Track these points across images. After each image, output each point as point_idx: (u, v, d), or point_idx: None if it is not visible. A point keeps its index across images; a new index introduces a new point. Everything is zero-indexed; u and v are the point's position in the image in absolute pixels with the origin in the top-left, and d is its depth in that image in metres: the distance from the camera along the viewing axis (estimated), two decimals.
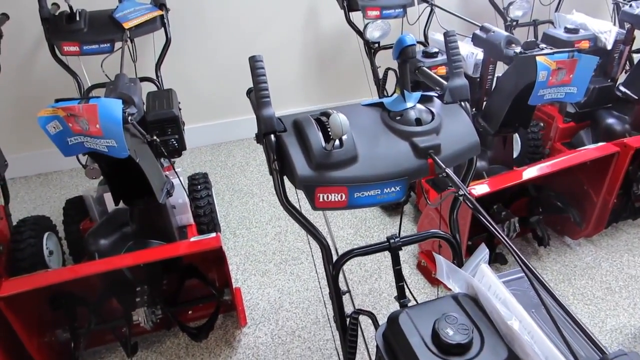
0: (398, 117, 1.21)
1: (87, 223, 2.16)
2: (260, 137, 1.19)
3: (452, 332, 0.94)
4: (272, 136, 1.16)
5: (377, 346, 1.07)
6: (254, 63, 1.16)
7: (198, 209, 2.20)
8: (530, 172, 1.93)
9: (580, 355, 0.81)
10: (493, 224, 0.98)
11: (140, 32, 2.27)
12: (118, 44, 2.21)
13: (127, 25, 2.20)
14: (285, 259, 2.38)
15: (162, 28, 2.35)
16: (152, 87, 2.36)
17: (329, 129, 1.13)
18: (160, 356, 1.95)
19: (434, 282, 2.21)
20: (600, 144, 2.10)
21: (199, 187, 2.27)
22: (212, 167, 3.12)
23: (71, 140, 1.43)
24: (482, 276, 1.06)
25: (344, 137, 1.11)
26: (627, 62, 2.64)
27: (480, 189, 1.81)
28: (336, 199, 1.12)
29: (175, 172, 1.88)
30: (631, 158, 2.10)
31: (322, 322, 2.05)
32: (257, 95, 1.16)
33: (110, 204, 2.03)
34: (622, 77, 2.63)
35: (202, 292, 1.95)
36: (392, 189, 1.15)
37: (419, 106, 1.23)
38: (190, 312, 2.02)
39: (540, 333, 0.91)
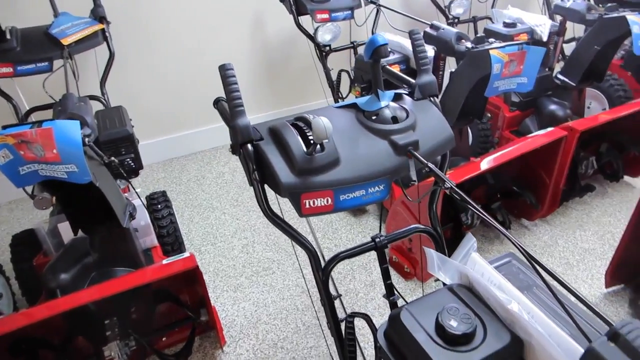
0: (374, 117, 1.21)
1: (41, 258, 2.00)
2: (237, 148, 1.15)
3: (455, 323, 0.94)
4: (250, 146, 1.13)
5: (379, 347, 1.06)
6: (225, 72, 1.13)
7: (161, 229, 2.11)
8: (489, 162, 2.01)
9: (585, 329, 0.83)
10: (482, 210, 1.00)
11: (81, 47, 2.15)
12: (57, 63, 2.08)
13: (65, 41, 2.08)
14: (257, 271, 2.32)
15: (105, 42, 2.23)
16: (98, 106, 2.24)
17: (308, 134, 1.12)
18: None
19: (407, 276, 2.24)
20: (549, 129, 2.22)
21: (159, 206, 2.17)
22: (167, 184, 3.00)
23: (23, 170, 1.32)
24: (474, 264, 1.08)
25: (325, 141, 1.10)
26: (561, 52, 2.82)
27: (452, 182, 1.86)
28: (322, 204, 1.11)
29: (136, 193, 1.78)
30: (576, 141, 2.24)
31: (303, 331, 2.02)
32: (231, 105, 1.13)
33: (65, 235, 1.89)
34: (558, 67, 2.81)
35: (176, 315, 1.87)
36: (377, 188, 1.15)
37: (393, 104, 1.24)
38: (164, 338, 1.93)
39: (539, 312, 0.94)
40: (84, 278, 1.74)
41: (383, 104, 1.22)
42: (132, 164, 1.90)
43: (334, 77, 2.69)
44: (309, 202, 1.10)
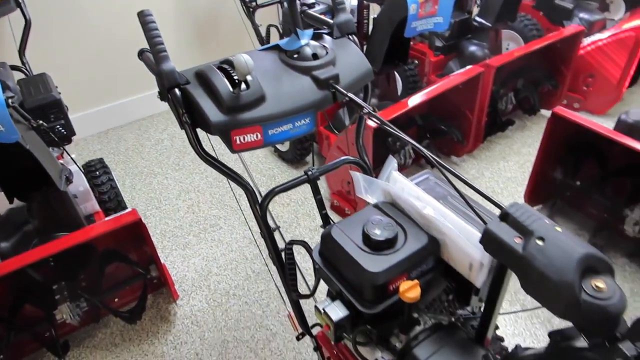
0: (295, 55, 1.27)
1: None
2: (164, 93, 1.18)
3: (379, 231, 1.06)
4: (177, 90, 1.16)
5: (317, 268, 1.16)
6: (144, 18, 1.14)
7: (102, 194, 2.10)
8: (414, 100, 2.13)
9: (485, 217, 0.96)
10: (399, 131, 1.10)
11: None
12: None
13: None
14: (204, 228, 2.38)
15: (18, 9, 2.13)
16: (19, 77, 2.16)
17: (233, 74, 1.17)
18: (95, 349, 1.88)
19: None
20: (467, 67, 2.36)
21: (98, 172, 2.16)
22: (105, 155, 2.95)
23: None
24: (395, 182, 1.19)
25: (249, 79, 1.15)
26: None
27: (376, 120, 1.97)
28: (252, 139, 1.17)
29: (71, 158, 1.77)
30: (494, 78, 2.40)
31: (253, 277, 2.11)
32: (154, 51, 1.15)
33: (1, 206, 1.86)
34: (476, 10, 2.95)
35: (126, 275, 1.90)
36: (303, 121, 1.23)
37: (313, 42, 1.31)
38: (116, 299, 1.96)
39: (451, 214, 1.07)
40: (26, 245, 1.73)
41: (303, 42, 1.29)
42: (63, 130, 1.87)
43: (263, 33, 2.71)
44: (239, 139, 1.16)
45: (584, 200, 2.19)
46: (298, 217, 2.41)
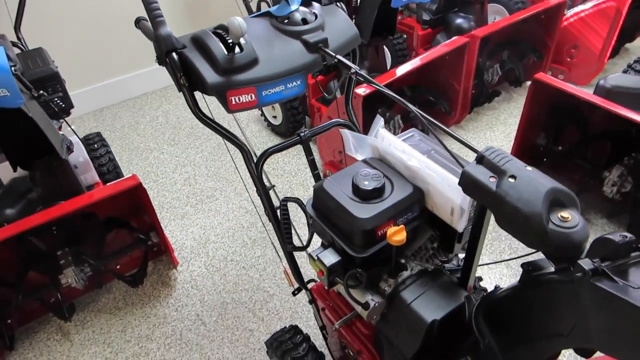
0: (286, 20, 1.33)
1: None
2: (162, 58, 1.24)
3: (367, 182, 1.13)
4: (174, 54, 1.22)
5: (310, 222, 1.24)
6: None
7: (101, 167, 2.17)
8: (402, 69, 2.20)
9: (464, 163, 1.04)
10: (387, 90, 1.17)
11: None
12: None
13: None
14: (201, 199, 2.45)
15: None
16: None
17: (227, 38, 1.23)
18: (100, 313, 1.96)
19: None
20: (453, 38, 2.43)
21: (96, 145, 2.22)
22: (101, 132, 2.98)
23: None
24: (382, 138, 1.26)
25: (243, 42, 1.21)
26: None
27: (365, 89, 2.04)
28: (247, 99, 1.24)
29: (72, 129, 1.83)
30: (479, 49, 2.47)
31: (250, 244, 2.19)
32: (151, 16, 1.20)
33: (4, 176, 1.91)
34: None
35: (127, 241, 1.97)
36: (294, 83, 1.30)
37: (303, 8, 1.37)
38: (118, 266, 2.03)
39: (434, 165, 1.15)
40: (31, 212, 1.79)
41: (293, 7, 1.34)
42: (61, 103, 1.93)
43: (254, 7, 2.74)
44: (235, 99, 1.22)
45: (566, 164, 2.28)
46: (292, 187, 2.49)
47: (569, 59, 3.09)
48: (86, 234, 1.88)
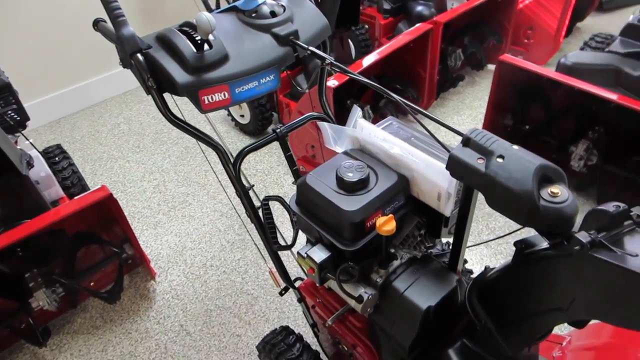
0: (254, 14, 1.29)
1: None
2: (127, 59, 1.18)
3: (352, 173, 1.11)
4: (140, 55, 1.16)
5: (295, 219, 1.21)
6: None
7: (65, 180, 2.06)
8: (369, 59, 2.19)
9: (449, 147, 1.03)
10: (362, 77, 1.15)
11: None
12: None
13: None
14: (173, 206, 2.37)
15: None
16: None
17: (195, 36, 1.18)
18: (77, 334, 1.87)
19: None
20: (416, 25, 2.44)
21: (57, 158, 2.11)
22: (61, 144, 2.86)
23: None
24: (362, 128, 1.25)
25: (211, 39, 1.17)
26: None
27: (335, 81, 2.02)
28: (221, 98, 1.19)
29: (30, 143, 1.73)
30: (442, 35, 2.49)
31: (229, 247, 2.14)
32: (112, 16, 1.14)
33: None
34: None
35: (99, 256, 1.89)
36: (267, 78, 1.26)
37: (270, 1, 1.33)
38: (92, 282, 1.94)
39: (417, 151, 1.14)
40: None
41: (260, 0, 1.31)
42: (16, 115, 1.82)
43: (212, 5, 2.67)
44: (207, 98, 1.18)
45: (534, 143, 2.33)
46: (266, 186, 2.45)
47: (526, 40, 3.16)
48: (55, 252, 1.79)
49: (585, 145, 2.11)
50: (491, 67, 3.18)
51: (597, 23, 3.74)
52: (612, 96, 1.89)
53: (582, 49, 2.72)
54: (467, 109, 2.88)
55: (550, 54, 3.14)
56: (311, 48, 1.23)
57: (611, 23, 3.72)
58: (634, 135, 1.98)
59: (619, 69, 2.16)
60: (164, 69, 1.15)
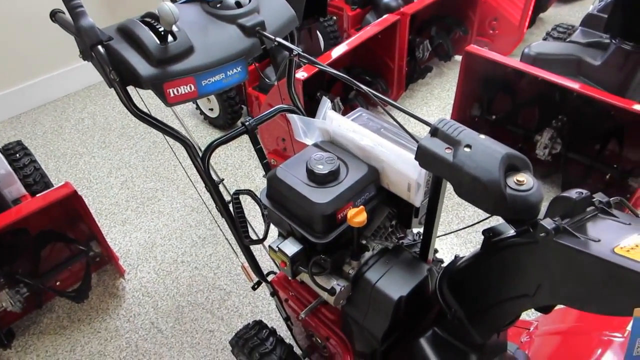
0: (218, 5, 1.26)
1: None
2: (87, 52, 1.14)
3: (322, 166, 1.11)
4: (100, 47, 1.12)
5: (266, 213, 1.20)
6: None
7: (26, 177, 1.99)
8: (338, 51, 2.18)
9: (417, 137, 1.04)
10: (330, 68, 1.15)
11: None
12: None
13: None
14: (142, 202, 2.32)
15: None
16: None
17: (158, 27, 1.15)
18: (43, 335, 1.82)
19: None
20: (384, 16, 2.44)
21: (18, 155, 2.03)
22: (22, 140, 2.75)
23: None
24: (331, 120, 1.24)
25: (175, 30, 1.14)
26: None
27: (304, 73, 2.01)
28: (186, 90, 1.17)
29: None
30: (409, 26, 2.50)
31: (200, 243, 2.11)
32: (70, 7, 1.09)
33: None
34: None
35: (65, 255, 1.83)
36: (234, 70, 1.24)
37: None
38: (58, 282, 1.89)
39: (386, 142, 1.14)
40: None
41: None
42: None
43: None
44: (173, 91, 1.15)
45: (500, 132, 2.38)
46: (237, 180, 2.42)
47: (491, 31, 3.21)
48: (18, 252, 1.72)
49: (550, 134, 2.17)
50: (458, 58, 3.22)
51: (558, 13, 3.83)
52: (575, 85, 1.94)
53: (544, 39, 2.79)
54: (436, 99, 2.92)
55: (515, 45, 3.20)
56: (278, 39, 1.21)
57: (572, 14, 3.82)
58: (595, 123, 2.05)
59: (580, 58, 2.22)
60: (127, 62, 1.11)
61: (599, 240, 0.73)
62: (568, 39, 2.41)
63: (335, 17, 3.06)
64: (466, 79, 2.24)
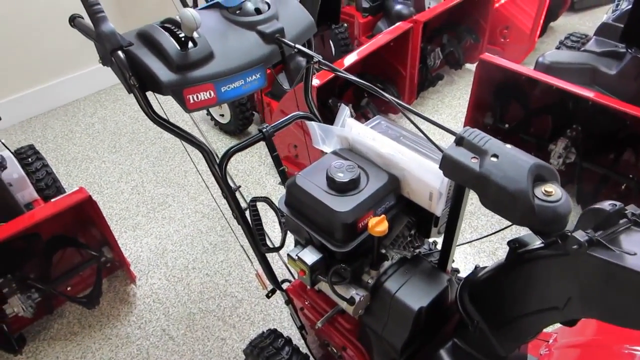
0: (238, 11, 1.26)
1: None
2: (107, 57, 1.13)
3: (342, 174, 1.10)
4: (121, 52, 1.12)
5: (283, 221, 1.19)
6: None
7: (39, 182, 1.99)
8: (350, 58, 2.18)
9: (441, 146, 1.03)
10: (350, 75, 1.14)
11: None
12: None
13: None
14: (153, 207, 2.31)
15: None
16: None
17: (178, 33, 1.14)
18: (53, 341, 1.81)
19: None
20: (397, 24, 2.44)
21: (30, 159, 2.02)
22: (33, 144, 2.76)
23: None
24: (351, 128, 1.23)
25: (196, 36, 1.13)
26: None
27: (317, 80, 2.00)
28: (206, 97, 1.16)
29: (2, 143, 1.65)
30: (422, 34, 2.50)
31: (211, 249, 2.10)
32: (91, 12, 1.09)
33: None
34: None
35: (77, 260, 1.82)
36: (254, 77, 1.23)
37: None
38: (69, 287, 1.88)
39: (407, 150, 1.13)
40: None
41: None
42: None
43: (189, 2, 2.62)
44: (193, 97, 1.14)
45: (513, 141, 2.35)
46: (248, 187, 2.41)
47: (502, 40, 3.21)
48: (29, 257, 1.72)
49: (564, 143, 2.15)
50: (469, 66, 3.22)
51: (569, 22, 3.83)
52: (589, 94, 1.93)
53: (558, 48, 2.78)
54: (447, 107, 2.91)
55: (526, 53, 3.19)
56: (298, 46, 1.21)
57: (582, 23, 3.81)
58: (610, 132, 2.03)
59: (595, 67, 2.20)
60: (147, 67, 1.11)
61: (635, 254, 0.72)
62: (582, 48, 2.39)
63: (346, 25, 3.06)
64: (480, 87, 2.23)
